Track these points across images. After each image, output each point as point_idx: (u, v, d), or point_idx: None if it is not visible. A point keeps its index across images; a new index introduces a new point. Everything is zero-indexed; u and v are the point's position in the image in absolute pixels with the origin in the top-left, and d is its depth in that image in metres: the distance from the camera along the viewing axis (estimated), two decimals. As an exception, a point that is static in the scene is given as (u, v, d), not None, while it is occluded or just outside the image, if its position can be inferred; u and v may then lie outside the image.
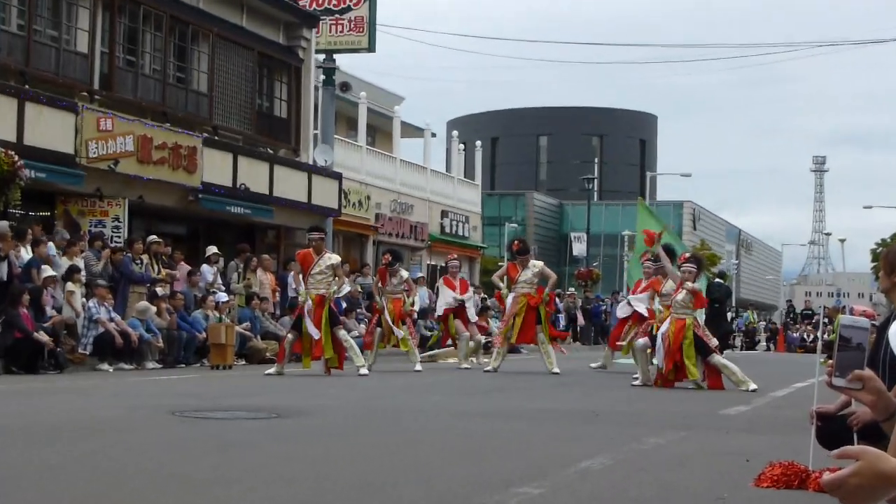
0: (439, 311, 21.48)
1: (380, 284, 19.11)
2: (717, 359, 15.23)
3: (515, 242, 19.44)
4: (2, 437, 7.93)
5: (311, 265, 16.81)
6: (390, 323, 18.78)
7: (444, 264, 29.73)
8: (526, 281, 18.70)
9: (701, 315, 16.41)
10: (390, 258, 19.09)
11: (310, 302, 16.65)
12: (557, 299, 38.30)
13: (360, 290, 27.12)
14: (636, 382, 15.89)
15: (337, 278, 17.05)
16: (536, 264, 19.07)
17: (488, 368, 18.74)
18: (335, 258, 17.23)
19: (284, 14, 30.86)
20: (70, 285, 18.31)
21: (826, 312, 31.62)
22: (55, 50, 23.15)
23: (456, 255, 22.03)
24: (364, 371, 16.78)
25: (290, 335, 17.11)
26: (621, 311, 20.20)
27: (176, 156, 24.73)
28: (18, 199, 18.63)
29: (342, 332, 16.90)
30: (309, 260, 16.92)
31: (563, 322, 38.69)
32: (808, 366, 22.93)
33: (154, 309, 19.24)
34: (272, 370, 16.75)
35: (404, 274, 19.29)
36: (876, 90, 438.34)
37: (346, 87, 34.16)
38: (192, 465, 6.76)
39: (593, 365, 20.16)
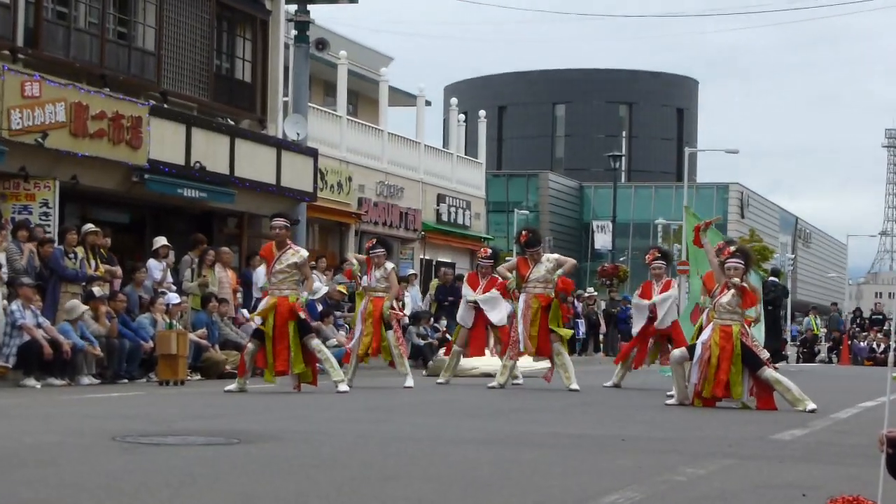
0: (460, 319, 21.23)
1: (361, 278, 18.99)
2: (769, 373, 15.26)
3: (523, 233, 19.47)
4: None
5: (273, 261, 16.85)
6: (359, 327, 18.70)
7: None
8: (539, 279, 18.72)
9: (758, 323, 16.44)
10: (374, 242, 19.13)
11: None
12: (577, 302, 38.40)
13: (343, 291, 27.11)
14: (671, 401, 15.93)
15: (306, 280, 17.05)
16: (551, 258, 19.10)
17: (493, 384, 18.78)
18: (301, 254, 17.06)
19: (248, -44, 30.91)
20: (-11, 284, 18.32)
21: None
22: (-29, 0, 23.17)
23: (490, 252, 21.94)
24: (343, 387, 16.84)
25: (250, 344, 17.17)
26: (635, 326, 20.27)
27: (117, 128, 24.73)
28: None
29: (315, 342, 16.92)
30: (271, 256, 16.94)
31: (583, 328, 38.75)
32: (878, 381, 22.96)
33: (84, 308, 19.17)
34: (233, 386, 16.79)
35: (388, 266, 19.12)
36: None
37: (322, 44, 34.07)
38: (139, 502, 6.78)
39: (607, 384, 20.26)
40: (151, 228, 27.20)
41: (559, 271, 18.91)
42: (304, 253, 17.27)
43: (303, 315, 16.89)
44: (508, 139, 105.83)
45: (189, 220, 28.60)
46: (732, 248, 16.27)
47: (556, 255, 19.40)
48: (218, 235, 29.17)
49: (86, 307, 19.23)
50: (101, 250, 21.36)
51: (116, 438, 9.85)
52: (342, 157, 38.21)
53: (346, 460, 8.97)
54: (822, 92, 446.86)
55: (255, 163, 29.54)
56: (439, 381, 20.25)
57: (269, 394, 16.53)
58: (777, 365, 18.96)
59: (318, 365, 17.09)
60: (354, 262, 19.36)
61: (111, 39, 26.52)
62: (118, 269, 21.54)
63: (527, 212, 75.30)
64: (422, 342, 27.28)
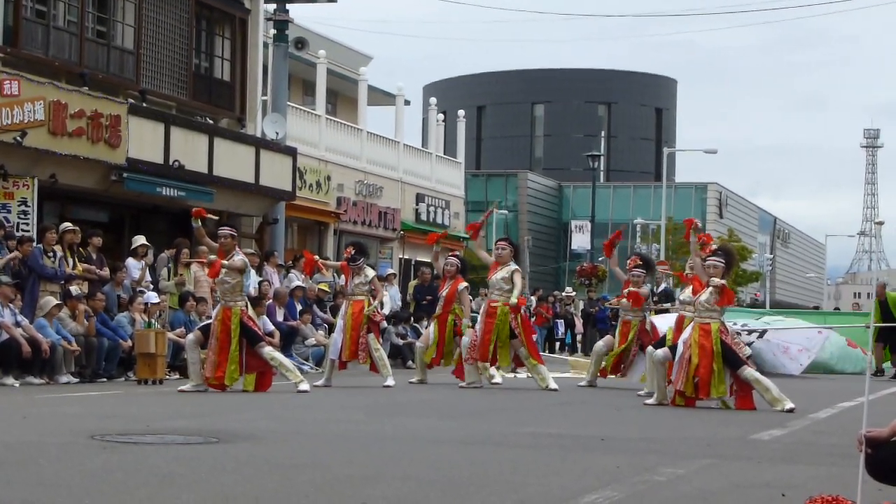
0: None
1: (342, 284, 19.09)
2: (749, 372, 15.30)
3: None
4: None
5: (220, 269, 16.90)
6: (342, 331, 18.67)
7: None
8: (495, 285, 18.73)
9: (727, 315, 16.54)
10: (353, 251, 19.11)
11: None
12: (555, 303, 38.52)
13: (326, 289, 27.05)
14: (650, 401, 15.96)
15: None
16: (511, 268, 19.06)
17: (463, 384, 18.72)
18: (238, 260, 16.90)
19: (227, -45, 30.86)
20: (-33, 283, 18.26)
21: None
22: (-51, -2, 23.09)
23: (458, 253, 21.78)
24: (304, 387, 16.69)
25: (191, 336, 17.29)
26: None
27: (96, 126, 24.68)
28: None
29: (266, 350, 16.84)
30: (217, 265, 16.96)
31: (561, 329, 38.82)
32: (856, 382, 22.99)
33: (55, 303, 19.09)
34: (187, 386, 16.86)
35: (370, 273, 19.14)
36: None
37: (301, 43, 34.05)
38: (118, 502, 6.77)
39: (581, 384, 20.24)
40: (130, 227, 27.15)
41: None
42: (241, 260, 16.94)
43: (250, 325, 16.87)
44: (487, 139, 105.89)
45: (168, 219, 28.55)
46: (714, 246, 16.32)
47: (517, 277, 19.04)
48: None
49: (57, 302, 19.18)
50: (84, 250, 21.31)
51: (95, 437, 9.84)
52: (321, 157, 38.17)
53: (326, 460, 8.97)
54: (801, 92, 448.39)
55: (233, 162, 29.51)
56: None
57: (248, 393, 16.53)
58: None
59: (271, 373, 17.05)
60: (328, 274, 19.29)
61: (90, 38, 26.46)
62: (106, 272, 21.45)
63: (506, 212, 75.33)
64: (401, 342, 27.28)
